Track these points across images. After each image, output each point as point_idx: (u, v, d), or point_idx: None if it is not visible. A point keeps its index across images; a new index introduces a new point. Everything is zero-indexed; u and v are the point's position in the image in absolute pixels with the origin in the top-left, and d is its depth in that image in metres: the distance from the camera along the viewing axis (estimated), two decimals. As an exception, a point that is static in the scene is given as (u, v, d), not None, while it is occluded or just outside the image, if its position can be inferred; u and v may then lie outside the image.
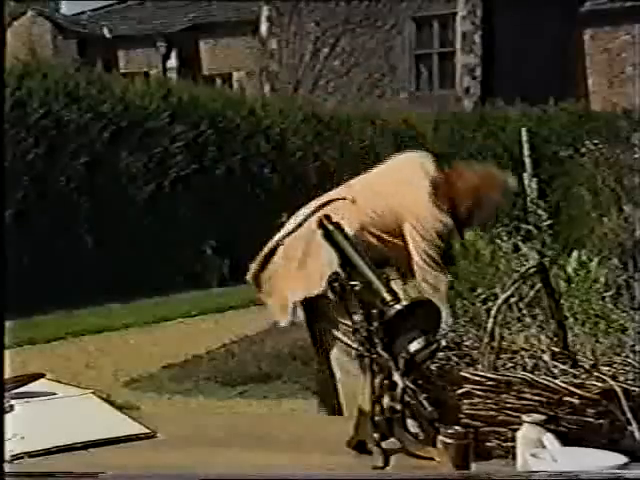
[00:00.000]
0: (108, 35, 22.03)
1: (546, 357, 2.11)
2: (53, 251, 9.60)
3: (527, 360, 2.11)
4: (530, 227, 5.91)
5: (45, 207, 9.70)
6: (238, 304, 9.44)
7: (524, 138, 7.06)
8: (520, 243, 5.66)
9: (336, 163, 13.56)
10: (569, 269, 5.06)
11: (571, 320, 3.78)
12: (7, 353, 2.08)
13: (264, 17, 20.09)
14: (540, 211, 6.03)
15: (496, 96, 16.25)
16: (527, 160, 6.86)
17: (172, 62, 21.64)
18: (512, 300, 2.12)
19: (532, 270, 2.16)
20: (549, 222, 5.98)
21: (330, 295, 2.10)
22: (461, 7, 18.56)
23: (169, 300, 9.95)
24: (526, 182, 6.49)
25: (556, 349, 2.15)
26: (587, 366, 2.09)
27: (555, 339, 2.17)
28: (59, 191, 9.97)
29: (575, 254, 5.29)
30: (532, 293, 2.30)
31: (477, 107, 17.21)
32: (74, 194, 10.13)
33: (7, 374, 2.19)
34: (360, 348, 2.03)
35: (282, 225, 3.69)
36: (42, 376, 2.51)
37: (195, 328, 8.46)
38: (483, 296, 4.42)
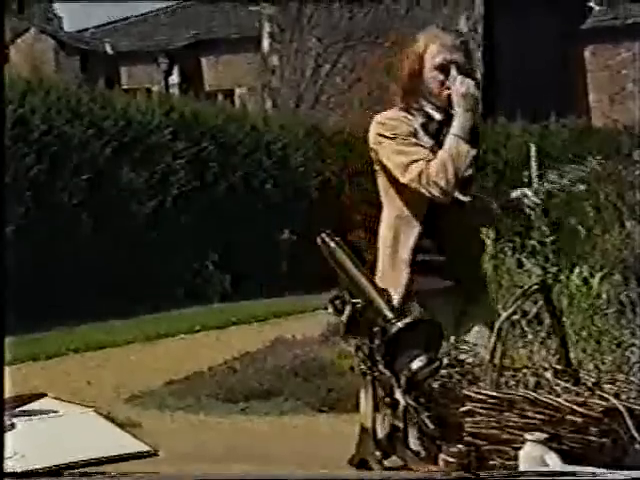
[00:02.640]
0: (110, 51, 22.08)
1: (548, 375, 2.10)
2: (54, 266, 9.59)
3: (529, 378, 2.10)
4: (534, 243, 5.88)
5: (47, 222, 9.70)
6: (239, 320, 9.43)
7: (533, 154, 6.91)
8: (524, 259, 5.65)
9: (338, 178, 13.56)
10: (571, 285, 5.04)
11: (574, 337, 3.77)
12: (8, 369, 2.07)
13: (266, 33, 20.13)
14: (544, 227, 6.00)
15: (497, 112, 16.27)
16: (534, 175, 6.77)
17: (174, 78, 21.67)
18: (514, 318, 2.11)
19: (534, 288, 2.16)
20: (552, 238, 5.96)
21: (332, 312, 2.09)
22: (462, 24, 18.61)
23: (170, 316, 9.93)
24: (531, 198, 6.43)
25: (558, 367, 2.14)
26: (590, 384, 2.08)
27: (557, 356, 2.16)
28: (61, 207, 9.97)
29: (577, 270, 5.27)
30: (534, 310, 2.30)
31: (479, 123, 17.20)
32: (76, 210, 10.13)
33: (8, 390, 2.18)
34: (362, 366, 2.02)
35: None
36: (44, 396, 2.50)
37: (196, 344, 8.43)
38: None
